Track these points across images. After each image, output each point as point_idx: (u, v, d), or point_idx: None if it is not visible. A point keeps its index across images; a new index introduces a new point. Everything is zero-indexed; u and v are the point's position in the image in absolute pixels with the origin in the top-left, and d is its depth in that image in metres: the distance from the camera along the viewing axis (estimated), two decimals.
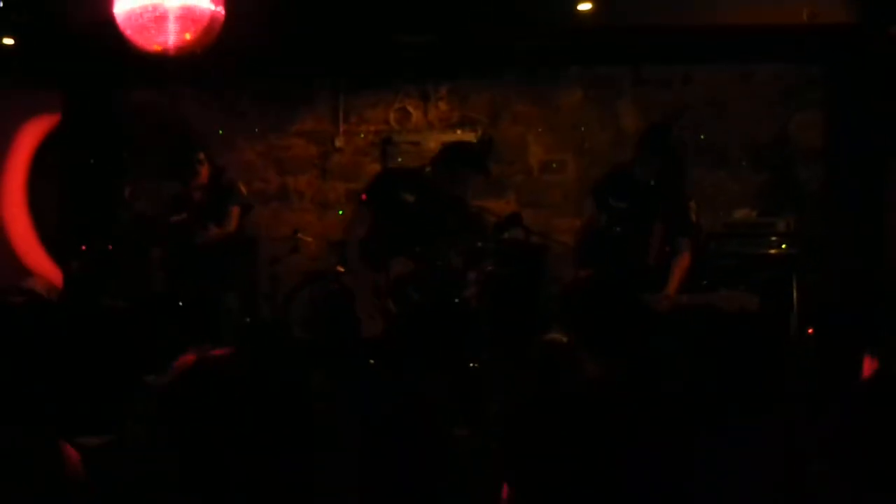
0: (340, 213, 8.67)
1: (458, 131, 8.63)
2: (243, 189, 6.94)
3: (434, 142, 8.58)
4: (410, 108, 8.79)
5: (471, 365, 6.17)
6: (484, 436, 5.36)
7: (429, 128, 8.70)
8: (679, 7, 6.99)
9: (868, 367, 3.67)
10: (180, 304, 6.49)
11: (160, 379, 2.13)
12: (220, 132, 8.70)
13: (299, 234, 7.87)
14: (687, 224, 5.69)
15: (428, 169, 6.21)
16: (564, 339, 3.74)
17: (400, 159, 8.48)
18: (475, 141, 8.57)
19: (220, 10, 4.86)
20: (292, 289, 7.57)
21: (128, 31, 4.74)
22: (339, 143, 8.89)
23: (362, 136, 8.81)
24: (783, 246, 7.34)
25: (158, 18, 4.63)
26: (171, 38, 4.66)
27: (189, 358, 2.14)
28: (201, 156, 6.52)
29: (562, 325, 5.32)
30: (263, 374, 2.25)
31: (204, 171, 6.51)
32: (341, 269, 7.39)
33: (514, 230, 7.42)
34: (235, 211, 6.57)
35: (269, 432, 2.13)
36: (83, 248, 7.81)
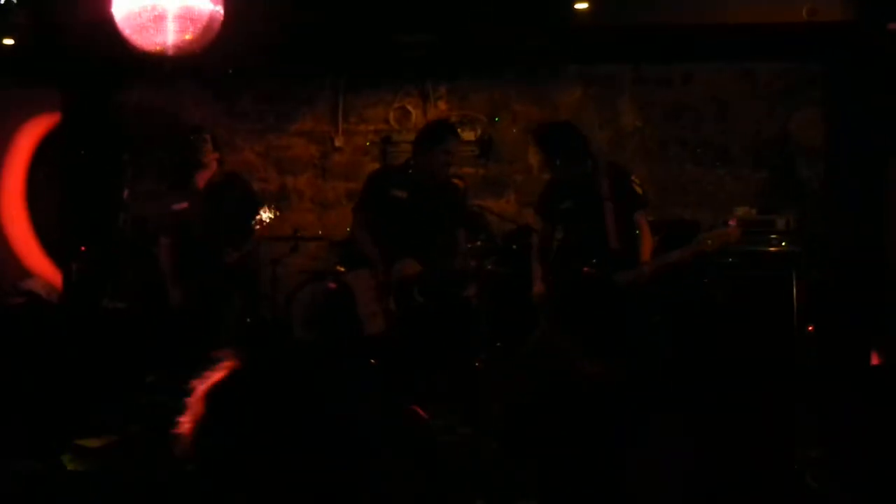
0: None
1: (458, 130, 8.61)
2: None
3: None
4: (410, 108, 8.79)
5: (475, 364, 6.18)
6: (485, 435, 5.36)
7: None
8: (679, 6, 6.99)
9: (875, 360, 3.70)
10: (181, 306, 6.46)
11: (204, 380, 2.14)
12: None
13: (299, 233, 7.87)
14: (635, 198, 5.76)
15: (411, 160, 6.23)
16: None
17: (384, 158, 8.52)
18: (475, 139, 8.59)
19: (219, 9, 4.86)
20: (293, 289, 7.55)
21: (126, 31, 4.74)
22: (338, 142, 8.89)
23: (368, 143, 8.81)
24: (783, 244, 7.34)
25: (157, 18, 4.62)
26: (169, 37, 4.66)
27: (231, 360, 2.15)
28: (207, 136, 6.46)
29: (555, 329, 5.34)
30: (310, 375, 2.27)
31: (211, 157, 6.45)
32: (341, 269, 7.38)
33: (523, 242, 7.45)
34: (257, 230, 6.50)
35: (317, 433, 2.15)
36: (83, 249, 7.81)
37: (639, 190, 5.81)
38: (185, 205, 6.41)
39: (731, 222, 5.58)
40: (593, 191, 5.69)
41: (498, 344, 7.05)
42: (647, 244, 5.61)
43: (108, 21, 4.90)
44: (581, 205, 5.73)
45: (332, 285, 6.95)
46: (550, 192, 6.05)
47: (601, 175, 5.74)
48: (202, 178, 6.46)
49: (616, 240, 5.56)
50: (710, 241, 5.33)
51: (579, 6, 6.84)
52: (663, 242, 5.95)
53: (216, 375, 2.14)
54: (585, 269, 5.58)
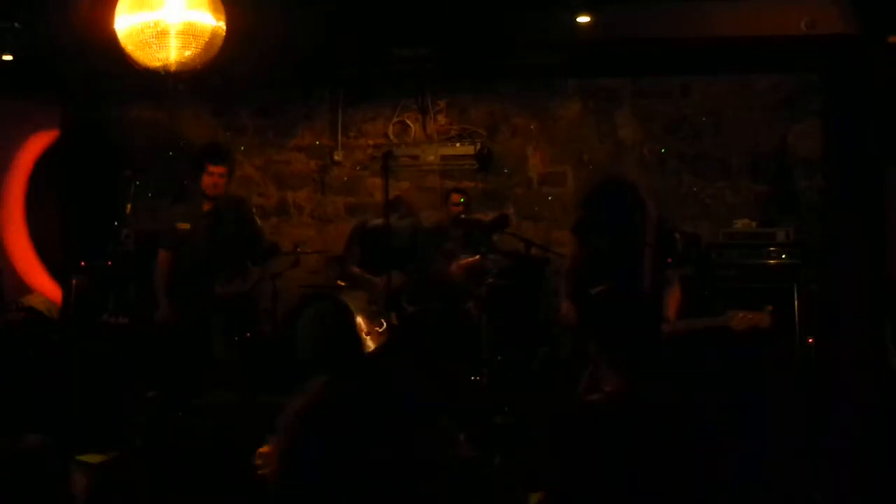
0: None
1: (457, 144, 8.65)
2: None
3: (433, 155, 8.60)
4: (409, 122, 8.81)
5: (473, 378, 6.18)
6: (488, 448, 5.35)
7: (428, 141, 8.72)
8: (678, 19, 6.99)
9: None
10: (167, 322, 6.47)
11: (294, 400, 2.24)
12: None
13: (299, 248, 7.86)
14: (674, 255, 5.76)
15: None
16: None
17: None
18: (474, 153, 8.60)
19: (222, 25, 4.86)
20: (292, 310, 7.48)
21: (129, 47, 4.73)
22: (337, 156, 8.90)
23: (370, 153, 8.81)
24: (783, 256, 7.35)
25: (160, 34, 4.62)
26: (172, 53, 4.65)
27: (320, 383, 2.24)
28: (226, 167, 6.50)
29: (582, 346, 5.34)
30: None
31: (221, 183, 6.47)
32: (342, 284, 7.38)
33: (502, 232, 7.44)
34: (257, 272, 6.56)
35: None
36: (83, 264, 7.79)
37: (679, 248, 5.81)
38: (187, 225, 6.44)
39: (768, 308, 5.53)
40: (631, 236, 5.66)
41: (499, 357, 7.05)
42: (674, 302, 5.59)
43: (110, 37, 4.90)
44: (621, 245, 5.70)
45: (334, 301, 6.92)
46: (589, 224, 5.99)
47: (648, 221, 5.73)
48: (208, 202, 6.47)
49: (649, 285, 5.55)
50: (739, 321, 5.26)
51: (580, 20, 6.84)
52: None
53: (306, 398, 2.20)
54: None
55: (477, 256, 7.28)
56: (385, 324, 5.88)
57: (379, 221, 7.36)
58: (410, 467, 2.27)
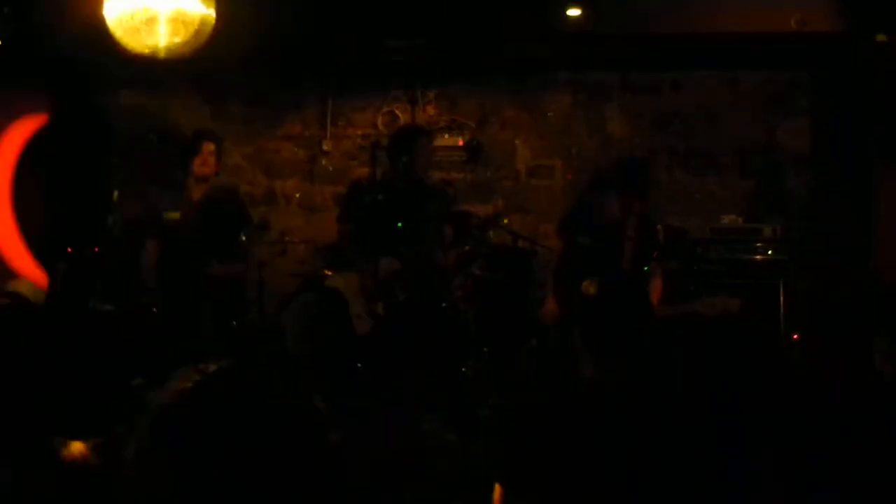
0: None
1: (447, 135, 8.63)
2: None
3: None
4: (398, 112, 8.77)
5: (462, 370, 6.18)
6: (473, 440, 5.36)
7: None
8: (668, 14, 7.00)
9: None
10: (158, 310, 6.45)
11: (158, 396, 2.06)
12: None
13: (287, 237, 7.85)
14: (657, 247, 5.81)
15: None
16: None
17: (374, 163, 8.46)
18: (463, 144, 8.58)
19: (211, 12, 4.85)
20: (282, 301, 7.46)
21: (118, 33, 4.72)
22: (326, 146, 8.87)
23: (359, 143, 8.78)
24: (770, 252, 7.37)
25: (149, 21, 4.61)
26: (161, 40, 4.65)
27: (188, 377, 2.07)
28: (213, 146, 6.44)
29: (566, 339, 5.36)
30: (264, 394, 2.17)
31: (211, 161, 6.41)
32: (329, 273, 7.36)
33: (499, 229, 7.45)
34: (251, 249, 6.55)
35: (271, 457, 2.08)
36: (69, 250, 7.76)
37: (660, 239, 5.87)
38: (177, 214, 6.39)
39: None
40: (615, 233, 5.69)
41: (485, 349, 7.05)
42: (657, 291, 5.64)
43: (98, 23, 4.89)
44: (602, 240, 5.73)
45: (325, 291, 6.91)
46: (574, 221, 6.04)
47: (629, 216, 5.77)
48: (198, 189, 6.43)
49: (630, 280, 5.59)
50: (708, 306, 5.35)
51: (572, 13, 6.85)
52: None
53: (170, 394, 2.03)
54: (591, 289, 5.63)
55: (466, 248, 7.29)
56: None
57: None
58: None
